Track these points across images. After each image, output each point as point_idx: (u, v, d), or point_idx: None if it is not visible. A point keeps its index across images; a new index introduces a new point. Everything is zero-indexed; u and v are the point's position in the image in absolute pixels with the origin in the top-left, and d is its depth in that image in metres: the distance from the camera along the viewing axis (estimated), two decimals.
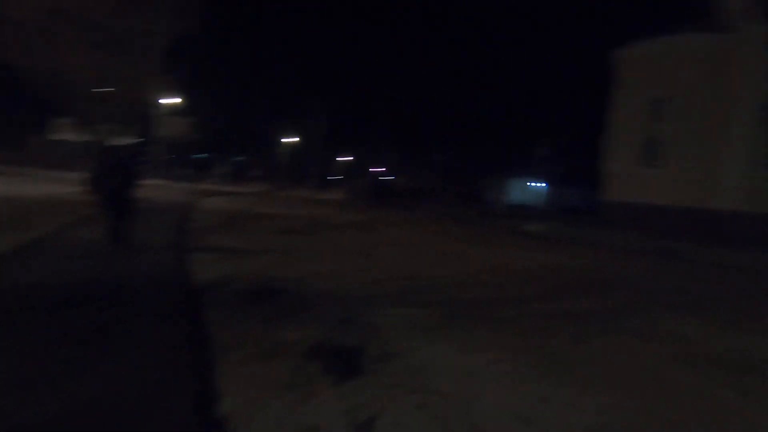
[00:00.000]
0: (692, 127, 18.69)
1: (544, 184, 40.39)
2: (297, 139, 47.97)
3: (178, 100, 31.90)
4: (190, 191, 25.59)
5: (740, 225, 16.94)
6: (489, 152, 50.32)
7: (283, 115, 48.66)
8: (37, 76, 12.15)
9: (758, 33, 17.29)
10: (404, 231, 10.82)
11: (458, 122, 64.76)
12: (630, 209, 19.81)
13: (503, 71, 71.39)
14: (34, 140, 33.78)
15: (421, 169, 58.86)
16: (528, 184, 41.80)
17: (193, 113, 35.35)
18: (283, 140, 48.39)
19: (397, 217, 15.95)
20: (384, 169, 57.05)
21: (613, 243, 13.14)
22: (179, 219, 10.43)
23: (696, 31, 18.68)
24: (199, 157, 55.65)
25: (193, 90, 31.15)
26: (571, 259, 8.84)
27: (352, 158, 60.11)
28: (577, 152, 36.16)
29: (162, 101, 30.30)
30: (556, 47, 71.72)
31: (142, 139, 31.36)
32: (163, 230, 8.92)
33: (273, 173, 51.98)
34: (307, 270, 5.83)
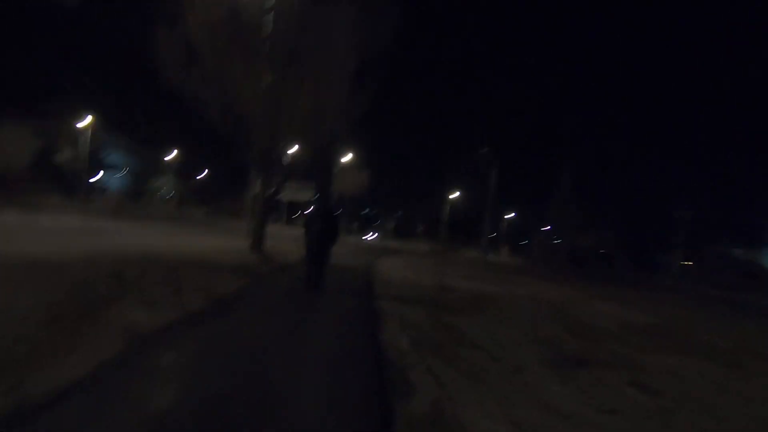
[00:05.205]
0: None
1: None
2: (458, 194, 43.85)
3: (350, 155, 31.63)
4: (360, 247, 24.04)
5: None
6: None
7: (449, 168, 45.66)
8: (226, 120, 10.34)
9: None
10: None
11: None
12: None
13: None
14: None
15: (599, 229, 48.19)
16: None
17: (367, 167, 34.73)
18: (446, 195, 45.03)
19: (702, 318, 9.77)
20: (549, 227, 48.06)
21: None
22: (365, 313, 6.73)
23: None
24: (364, 212, 56.53)
25: (367, 140, 30.10)
26: None
27: (513, 215, 53.04)
28: None
29: (340, 154, 30.20)
30: None
31: (318, 194, 31.41)
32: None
33: (434, 229, 49.02)
34: None
